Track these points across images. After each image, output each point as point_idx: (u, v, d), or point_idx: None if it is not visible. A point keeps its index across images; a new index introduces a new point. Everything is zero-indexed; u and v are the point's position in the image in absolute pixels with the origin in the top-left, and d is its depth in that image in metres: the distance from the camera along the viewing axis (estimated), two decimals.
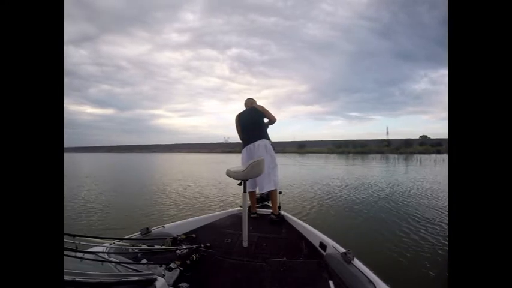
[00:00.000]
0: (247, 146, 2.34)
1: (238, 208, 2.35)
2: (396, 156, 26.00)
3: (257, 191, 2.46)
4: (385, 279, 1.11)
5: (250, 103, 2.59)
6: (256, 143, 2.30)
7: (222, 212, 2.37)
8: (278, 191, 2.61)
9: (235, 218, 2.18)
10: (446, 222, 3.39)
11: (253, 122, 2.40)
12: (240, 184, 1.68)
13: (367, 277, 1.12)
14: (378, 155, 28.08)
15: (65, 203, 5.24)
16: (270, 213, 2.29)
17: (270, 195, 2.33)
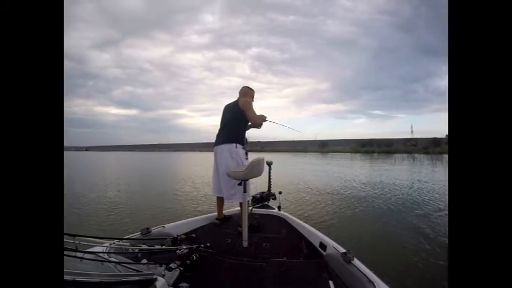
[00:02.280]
0: (214, 148, 2.01)
1: (238, 208, 2.35)
2: (424, 156, 24.40)
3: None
4: (385, 279, 1.11)
5: (242, 93, 2.11)
6: (221, 146, 1.94)
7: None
8: (278, 191, 2.57)
9: (235, 218, 2.18)
10: None
11: (228, 119, 2.01)
12: (240, 184, 1.68)
13: (367, 277, 1.12)
14: (405, 155, 26.85)
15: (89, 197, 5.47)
16: (270, 213, 2.30)
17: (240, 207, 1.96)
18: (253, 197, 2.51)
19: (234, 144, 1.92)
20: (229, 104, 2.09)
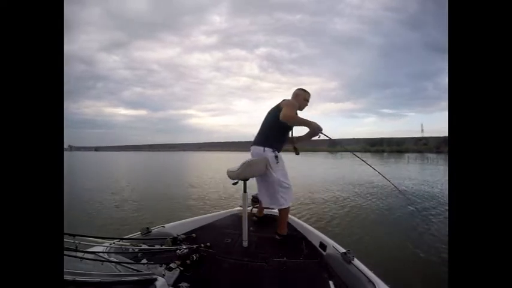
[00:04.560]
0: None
1: (238, 208, 2.35)
2: (437, 155, 23.25)
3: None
4: (385, 279, 1.11)
5: (293, 95, 1.95)
6: (252, 148, 1.90)
7: (222, 212, 2.37)
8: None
9: (235, 218, 2.18)
10: None
11: (264, 121, 1.92)
12: (235, 184, 1.67)
13: (367, 277, 1.12)
14: (418, 155, 26.08)
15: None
16: (269, 213, 2.29)
17: (279, 213, 1.88)
18: (253, 197, 2.51)
19: (262, 148, 1.81)
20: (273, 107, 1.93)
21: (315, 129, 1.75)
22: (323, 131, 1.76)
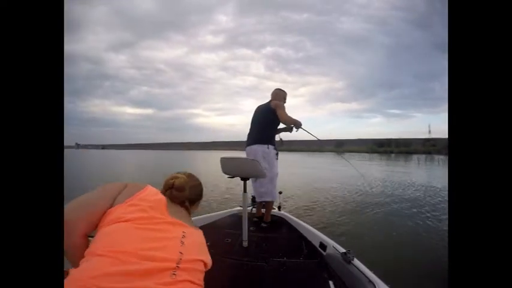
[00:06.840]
0: (246, 148, 2.08)
1: (238, 208, 2.35)
2: (444, 157, 22.22)
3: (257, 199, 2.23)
4: (385, 279, 1.11)
5: (274, 94, 2.17)
6: (254, 147, 2.00)
7: (222, 212, 2.37)
8: (278, 191, 2.54)
9: (235, 218, 2.18)
10: None
11: (260, 120, 2.07)
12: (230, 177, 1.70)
13: (367, 277, 1.12)
14: (427, 156, 25.63)
15: None
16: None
17: (266, 204, 2.12)
18: (253, 197, 2.51)
19: (266, 146, 1.98)
20: (261, 106, 2.13)
21: (297, 125, 2.04)
22: (303, 126, 2.06)
